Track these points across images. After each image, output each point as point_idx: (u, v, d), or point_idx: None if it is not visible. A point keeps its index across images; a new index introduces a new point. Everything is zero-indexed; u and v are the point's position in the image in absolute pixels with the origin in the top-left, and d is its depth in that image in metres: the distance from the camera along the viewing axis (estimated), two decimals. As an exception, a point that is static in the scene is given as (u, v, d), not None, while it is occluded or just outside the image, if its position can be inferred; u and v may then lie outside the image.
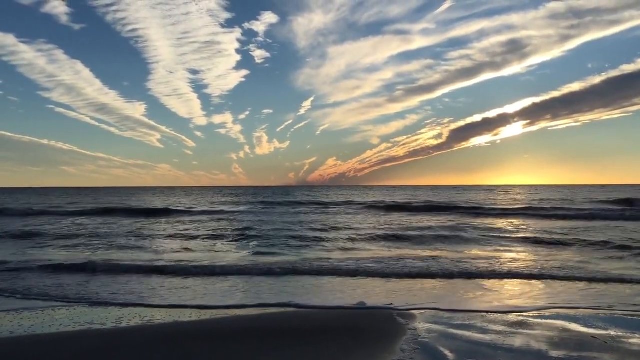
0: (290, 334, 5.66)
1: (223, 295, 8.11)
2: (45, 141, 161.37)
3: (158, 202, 47.31)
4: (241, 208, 37.06)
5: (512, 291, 8.25)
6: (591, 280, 8.96)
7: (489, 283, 8.92)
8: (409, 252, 13.34)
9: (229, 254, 13.53)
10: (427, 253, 13.08)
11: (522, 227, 20.79)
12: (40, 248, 14.72)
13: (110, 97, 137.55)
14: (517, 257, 12.36)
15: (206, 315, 6.75)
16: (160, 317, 6.63)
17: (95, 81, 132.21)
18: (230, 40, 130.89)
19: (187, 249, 14.37)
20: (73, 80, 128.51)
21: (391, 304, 7.21)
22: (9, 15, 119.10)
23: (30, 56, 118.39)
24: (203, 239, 17.21)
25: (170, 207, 34.99)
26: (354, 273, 9.93)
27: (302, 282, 9.17)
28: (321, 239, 16.34)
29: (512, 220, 24.12)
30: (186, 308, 7.16)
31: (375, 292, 8.19)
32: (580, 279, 9.04)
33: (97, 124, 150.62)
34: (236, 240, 16.58)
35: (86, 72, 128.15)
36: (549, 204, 36.20)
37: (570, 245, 14.35)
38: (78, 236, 17.77)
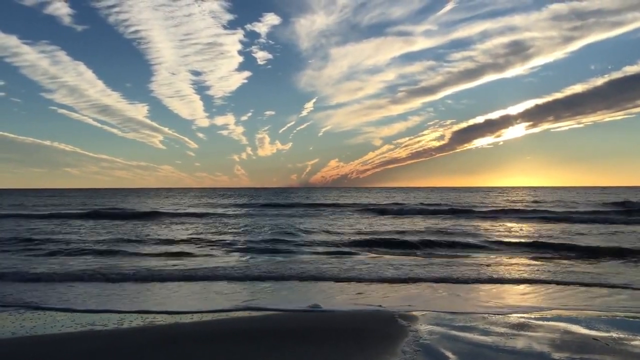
0: (291, 336, 5.66)
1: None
2: (47, 142, 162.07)
3: (151, 204, 46.24)
4: (230, 211, 35.77)
5: (507, 294, 8.24)
6: (581, 284, 8.92)
7: (482, 287, 8.91)
8: (394, 256, 13.26)
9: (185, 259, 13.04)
10: (414, 257, 13.05)
11: (510, 229, 20.77)
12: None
13: (113, 99, 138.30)
14: (504, 261, 12.35)
15: (207, 317, 6.75)
16: (162, 318, 6.62)
17: (97, 82, 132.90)
18: (233, 41, 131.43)
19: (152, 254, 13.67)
20: (76, 82, 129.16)
21: (380, 305, 7.20)
22: (11, 16, 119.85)
23: (33, 57, 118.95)
24: (169, 242, 16.36)
25: (158, 210, 33.32)
26: (326, 278, 9.68)
27: (275, 286, 8.99)
28: (304, 244, 15.90)
29: (503, 223, 24.06)
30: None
31: (361, 295, 8.18)
32: (569, 283, 8.99)
33: (99, 125, 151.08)
34: (206, 243, 16.08)
35: (89, 74, 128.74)
36: (541, 206, 36.15)
37: (557, 249, 14.25)
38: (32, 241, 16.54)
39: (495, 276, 9.68)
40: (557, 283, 8.97)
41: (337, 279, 9.54)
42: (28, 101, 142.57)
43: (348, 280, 9.46)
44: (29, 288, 8.76)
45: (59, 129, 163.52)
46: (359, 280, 9.44)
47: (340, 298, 7.89)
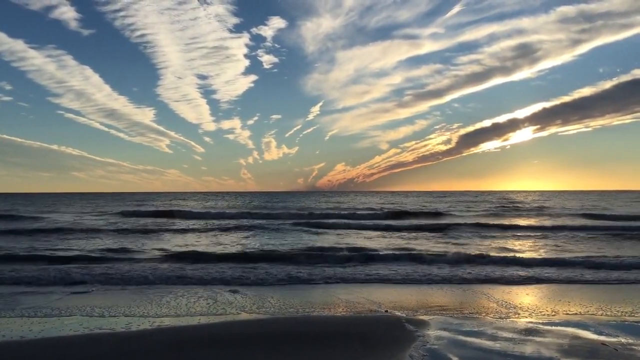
0: (299, 339, 5.66)
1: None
2: (55, 146, 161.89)
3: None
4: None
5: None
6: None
7: (490, 291, 8.86)
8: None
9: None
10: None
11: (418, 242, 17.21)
12: None
13: (120, 103, 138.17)
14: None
15: (215, 319, 6.76)
16: (169, 322, 6.64)
17: (104, 87, 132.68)
18: (239, 45, 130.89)
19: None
20: (83, 86, 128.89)
21: (386, 310, 7.20)
22: (18, 20, 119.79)
23: (39, 62, 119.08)
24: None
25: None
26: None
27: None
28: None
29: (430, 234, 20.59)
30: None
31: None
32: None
33: (106, 129, 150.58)
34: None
35: (95, 78, 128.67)
36: (505, 212, 35.59)
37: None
38: None
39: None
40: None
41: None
42: (35, 105, 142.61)
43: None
44: None
45: (66, 133, 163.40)
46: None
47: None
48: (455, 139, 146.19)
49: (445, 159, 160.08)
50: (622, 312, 7.05)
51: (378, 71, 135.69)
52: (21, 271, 10.61)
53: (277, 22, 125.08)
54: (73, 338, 5.86)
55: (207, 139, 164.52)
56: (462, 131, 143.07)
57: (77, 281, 9.72)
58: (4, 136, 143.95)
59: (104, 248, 15.58)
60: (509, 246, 15.97)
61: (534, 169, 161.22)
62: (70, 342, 5.68)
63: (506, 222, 26.48)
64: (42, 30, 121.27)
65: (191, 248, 15.52)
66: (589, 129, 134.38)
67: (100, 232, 21.43)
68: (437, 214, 33.83)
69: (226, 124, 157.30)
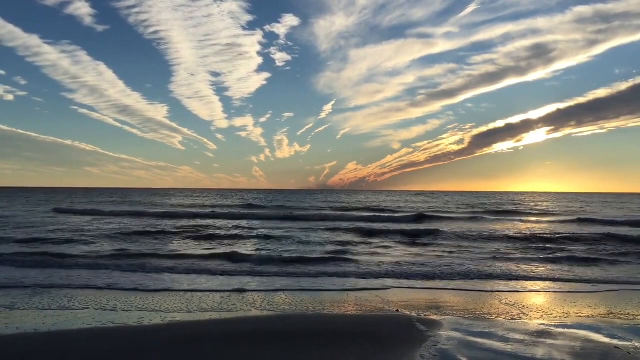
0: (310, 338, 5.69)
1: None
2: (69, 142, 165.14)
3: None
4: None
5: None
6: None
7: (501, 294, 8.80)
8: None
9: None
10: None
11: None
12: None
13: (133, 99, 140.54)
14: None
15: (226, 316, 6.82)
16: (181, 317, 6.71)
17: (118, 83, 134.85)
18: (252, 42, 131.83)
19: None
20: (96, 82, 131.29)
21: (397, 310, 7.19)
22: (33, 16, 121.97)
23: (54, 57, 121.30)
24: None
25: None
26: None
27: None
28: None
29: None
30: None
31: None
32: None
33: (119, 125, 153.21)
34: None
35: (109, 74, 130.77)
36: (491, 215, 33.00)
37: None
38: None
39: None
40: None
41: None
42: (49, 101, 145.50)
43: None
44: None
45: (80, 128, 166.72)
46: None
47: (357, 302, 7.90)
48: (468, 139, 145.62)
49: (458, 159, 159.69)
50: (635, 315, 6.99)
51: (391, 70, 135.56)
52: None
53: (290, 20, 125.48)
54: (86, 331, 5.96)
55: (219, 136, 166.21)
56: (475, 131, 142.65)
57: None
58: (19, 131, 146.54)
59: None
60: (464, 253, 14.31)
61: (547, 170, 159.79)
62: (83, 336, 5.77)
63: (481, 226, 24.15)
64: (56, 26, 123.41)
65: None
66: (604, 130, 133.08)
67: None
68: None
69: (238, 122, 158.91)
